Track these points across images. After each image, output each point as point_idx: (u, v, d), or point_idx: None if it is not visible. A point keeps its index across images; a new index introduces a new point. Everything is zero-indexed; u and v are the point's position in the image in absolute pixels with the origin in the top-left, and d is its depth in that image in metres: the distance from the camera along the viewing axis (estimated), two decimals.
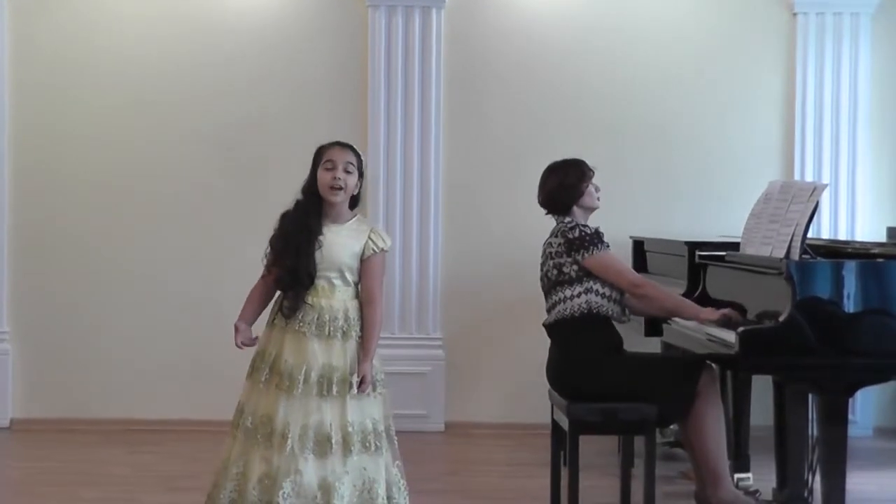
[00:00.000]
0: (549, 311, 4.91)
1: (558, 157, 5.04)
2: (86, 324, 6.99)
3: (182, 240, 7.00)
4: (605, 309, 4.80)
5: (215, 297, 6.81)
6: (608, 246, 4.82)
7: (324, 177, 4.33)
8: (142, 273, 6.99)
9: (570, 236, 4.78)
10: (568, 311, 4.79)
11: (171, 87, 6.99)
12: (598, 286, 4.78)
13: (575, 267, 4.78)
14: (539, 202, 4.99)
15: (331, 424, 4.22)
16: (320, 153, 4.38)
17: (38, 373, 6.98)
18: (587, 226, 4.85)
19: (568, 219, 4.88)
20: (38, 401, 6.97)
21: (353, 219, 4.41)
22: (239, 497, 4.22)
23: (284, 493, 4.15)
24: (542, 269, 4.94)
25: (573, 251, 4.77)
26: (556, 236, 4.86)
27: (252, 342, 4.34)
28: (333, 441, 4.21)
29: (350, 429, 4.23)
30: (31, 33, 6.97)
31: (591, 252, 4.75)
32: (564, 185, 4.90)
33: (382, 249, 4.38)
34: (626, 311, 4.90)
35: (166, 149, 7.00)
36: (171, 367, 6.97)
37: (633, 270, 4.88)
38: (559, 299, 4.83)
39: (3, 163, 6.93)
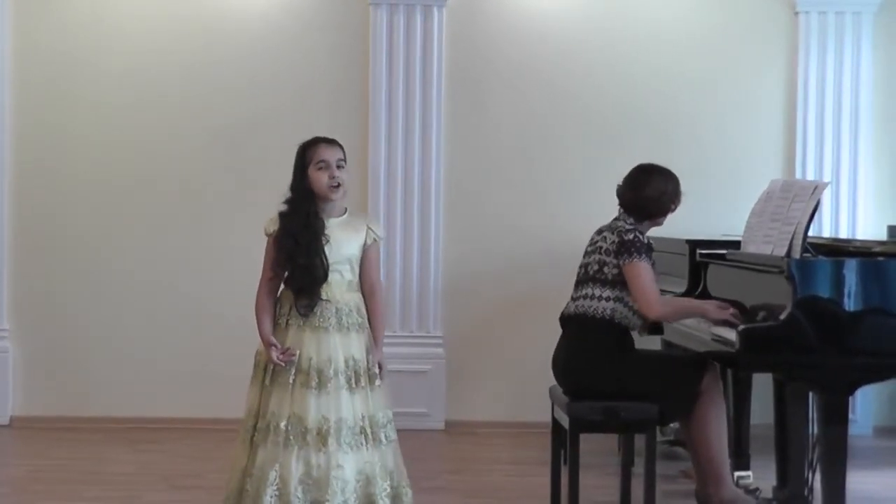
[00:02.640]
0: (573, 300, 4.88)
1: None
2: (86, 321, 6.99)
3: (183, 238, 6.99)
4: (627, 320, 4.79)
5: (217, 296, 6.82)
6: (652, 263, 4.76)
7: (320, 177, 4.34)
8: (143, 271, 6.99)
9: (626, 238, 4.73)
10: (591, 310, 4.77)
11: (171, 87, 6.99)
12: (629, 298, 4.75)
13: (615, 271, 4.74)
14: (620, 195, 4.89)
15: (363, 417, 4.28)
16: (308, 152, 4.38)
17: (39, 370, 6.98)
18: (643, 234, 4.79)
19: (631, 220, 4.84)
20: (38, 398, 6.97)
21: (346, 211, 4.46)
22: (281, 502, 4.19)
23: (332, 490, 4.18)
24: (584, 257, 4.89)
25: (620, 254, 4.72)
26: (612, 233, 4.80)
27: (291, 354, 4.29)
28: (368, 433, 4.27)
29: (377, 419, 4.32)
30: (33, 32, 6.96)
31: (632, 258, 4.69)
32: (662, 199, 4.84)
33: (381, 238, 4.47)
34: (647, 324, 4.88)
35: (167, 148, 6.99)
36: (172, 365, 6.96)
37: (657, 293, 4.74)
38: (588, 294, 4.80)
39: (5, 161, 6.93)
